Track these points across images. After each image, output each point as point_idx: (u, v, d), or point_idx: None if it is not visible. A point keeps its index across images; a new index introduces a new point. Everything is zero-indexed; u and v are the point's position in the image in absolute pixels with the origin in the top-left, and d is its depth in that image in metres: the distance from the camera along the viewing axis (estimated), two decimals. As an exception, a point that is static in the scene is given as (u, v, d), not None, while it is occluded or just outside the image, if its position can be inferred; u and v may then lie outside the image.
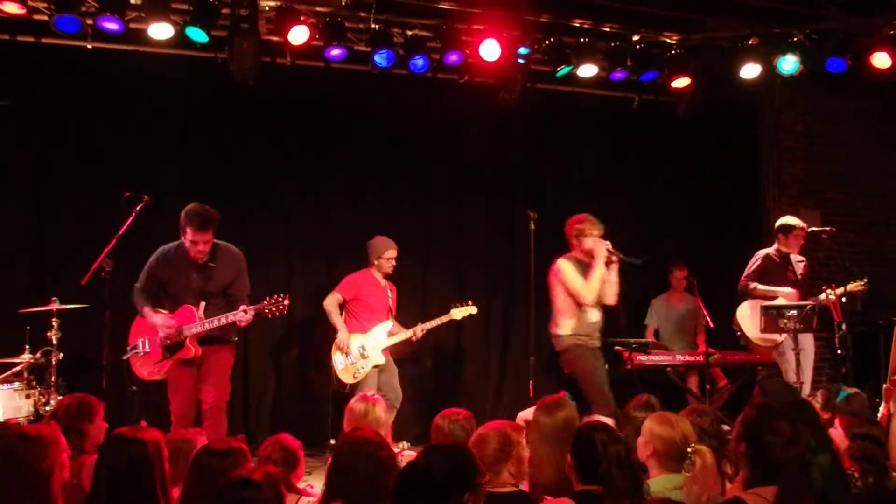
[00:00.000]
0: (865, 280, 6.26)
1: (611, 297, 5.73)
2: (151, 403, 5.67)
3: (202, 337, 5.02)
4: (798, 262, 6.49)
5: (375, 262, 6.28)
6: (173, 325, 4.96)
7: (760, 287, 6.29)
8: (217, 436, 4.61)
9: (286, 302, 5.02)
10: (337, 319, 6.15)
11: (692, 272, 7.23)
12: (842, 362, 6.36)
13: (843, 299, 6.25)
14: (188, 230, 4.90)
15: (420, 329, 6.27)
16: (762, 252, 6.50)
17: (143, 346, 5.06)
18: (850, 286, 6.22)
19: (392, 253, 6.27)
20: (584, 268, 5.66)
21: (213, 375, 5.05)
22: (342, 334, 6.11)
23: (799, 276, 6.44)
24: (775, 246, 6.48)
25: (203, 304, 5.03)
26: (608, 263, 5.63)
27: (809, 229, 6.88)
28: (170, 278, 5.05)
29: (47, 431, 2.90)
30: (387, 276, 6.35)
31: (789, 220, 6.49)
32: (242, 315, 4.91)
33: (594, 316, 5.73)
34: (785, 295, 6.21)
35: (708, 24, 6.88)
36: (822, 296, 6.20)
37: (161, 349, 5.03)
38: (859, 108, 8.13)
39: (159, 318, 5.00)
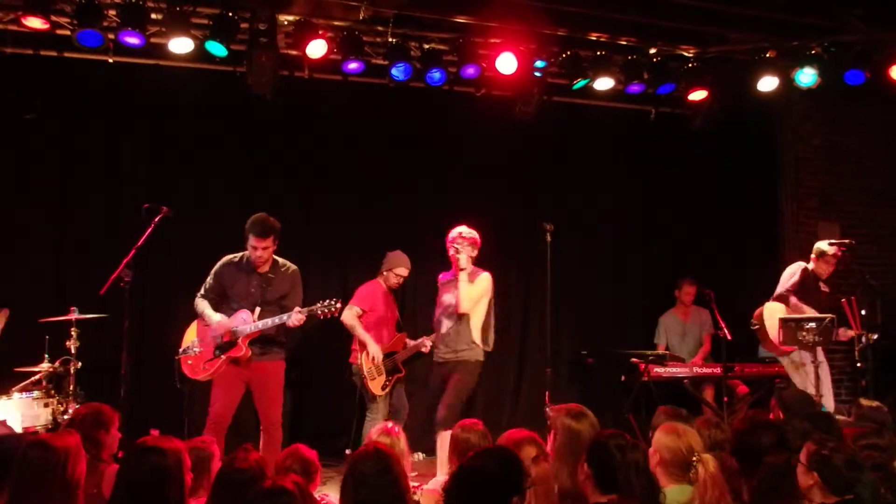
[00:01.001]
0: (877, 336, 6.19)
1: (460, 306, 5.70)
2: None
3: (260, 351, 5.27)
4: (824, 287, 6.42)
5: (385, 273, 6.32)
6: (227, 328, 5.21)
7: (795, 301, 6.23)
8: (272, 450, 4.90)
9: (338, 305, 5.27)
10: (363, 334, 6.15)
11: (710, 285, 7.18)
12: (861, 375, 6.29)
13: (863, 311, 6.19)
14: (250, 237, 5.20)
15: (428, 340, 6.28)
16: (802, 265, 6.42)
17: (195, 346, 5.29)
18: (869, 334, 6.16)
19: (403, 272, 6.32)
20: (453, 282, 5.79)
21: (270, 392, 5.32)
22: (373, 348, 6.10)
23: (822, 302, 6.37)
24: (810, 264, 6.41)
25: (259, 309, 5.25)
26: (459, 270, 5.69)
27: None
28: (232, 283, 5.34)
29: (70, 441, 2.92)
30: (390, 289, 6.40)
31: (826, 247, 6.38)
32: (296, 315, 5.14)
33: (444, 327, 5.82)
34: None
35: (725, 36, 6.87)
36: (841, 329, 6.15)
37: (212, 349, 5.24)
38: (879, 119, 8.08)
39: (217, 317, 5.24)
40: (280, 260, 5.44)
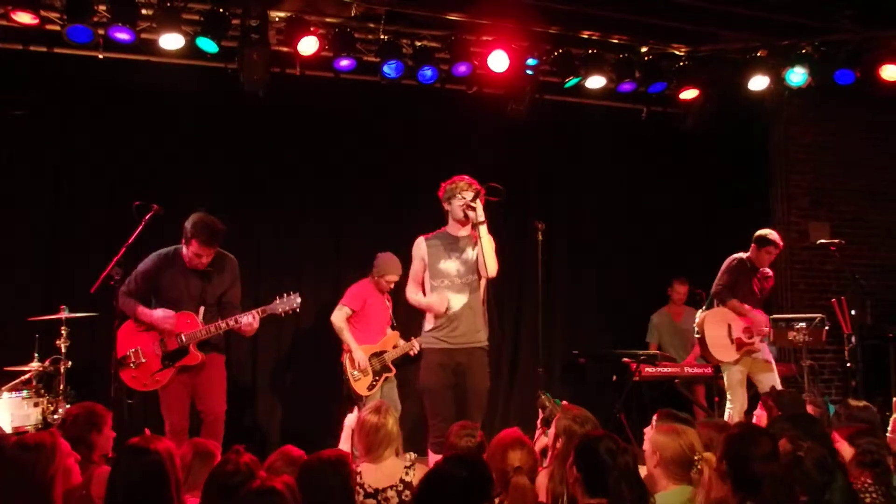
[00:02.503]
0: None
1: (486, 268, 4.57)
2: (150, 414, 5.64)
3: (199, 344, 4.95)
4: (766, 276, 6.31)
5: (376, 278, 6.29)
6: (172, 317, 4.82)
7: (736, 301, 6.06)
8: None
9: (298, 300, 4.93)
10: (349, 337, 6.11)
11: (700, 285, 7.20)
12: (851, 375, 6.32)
13: (853, 311, 6.22)
14: (194, 243, 4.79)
15: (417, 343, 6.23)
16: (737, 256, 6.24)
17: (137, 358, 4.90)
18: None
19: (393, 277, 6.23)
20: (452, 243, 4.72)
21: (215, 386, 4.99)
22: (358, 354, 6.07)
23: (764, 292, 6.29)
24: (748, 255, 6.22)
25: (202, 309, 4.94)
26: (475, 224, 4.61)
27: (818, 241, 6.83)
28: (168, 283, 4.92)
29: (47, 440, 2.90)
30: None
31: (768, 234, 6.18)
32: (251, 318, 4.81)
33: (455, 303, 4.64)
34: (756, 320, 6.02)
35: (717, 35, 6.89)
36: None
37: (160, 358, 4.88)
38: (870, 119, 8.12)
39: (159, 312, 4.81)
40: (218, 250, 4.97)
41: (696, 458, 2.96)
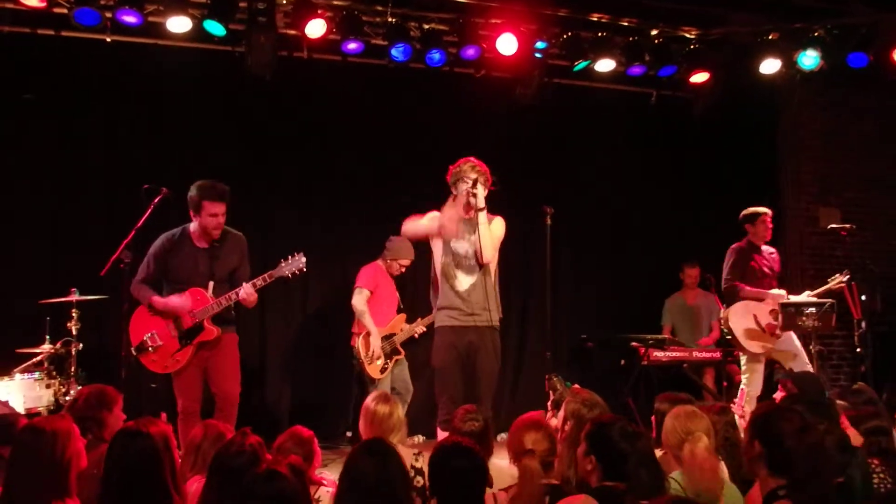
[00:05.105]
0: (847, 277, 6.09)
1: (482, 254, 4.69)
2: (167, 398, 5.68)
3: (213, 320, 4.95)
4: (769, 253, 6.30)
5: (388, 261, 6.30)
6: (189, 301, 4.86)
7: (748, 288, 6.06)
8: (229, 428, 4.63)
9: (303, 259, 4.94)
10: (370, 321, 6.10)
11: (709, 269, 7.17)
12: (861, 361, 6.30)
13: (863, 297, 6.19)
14: (206, 204, 4.82)
15: (422, 325, 6.26)
16: (733, 246, 6.26)
17: (154, 341, 4.91)
18: (831, 283, 6.09)
19: (406, 262, 6.33)
20: (462, 225, 4.81)
21: (229, 367, 4.99)
22: (375, 342, 6.09)
23: (774, 269, 6.25)
24: (746, 238, 6.23)
25: (212, 284, 4.93)
26: (476, 211, 4.68)
27: (829, 227, 6.79)
28: (177, 263, 4.95)
29: (61, 424, 2.93)
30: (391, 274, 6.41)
31: (752, 209, 6.23)
32: (249, 289, 4.81)
33: (464, 282, 4.74)
34: (774, 296, 6.01)
35: (727, 18, 6.83)
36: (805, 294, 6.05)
37: (177, 339, 4.89)
38: (881, 105, 8.05)
39: (176, 300, 4.85)
40: (226, 227, 5.01)
41: (686, 437, 2.97)
